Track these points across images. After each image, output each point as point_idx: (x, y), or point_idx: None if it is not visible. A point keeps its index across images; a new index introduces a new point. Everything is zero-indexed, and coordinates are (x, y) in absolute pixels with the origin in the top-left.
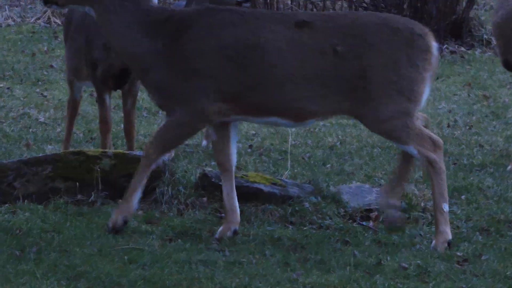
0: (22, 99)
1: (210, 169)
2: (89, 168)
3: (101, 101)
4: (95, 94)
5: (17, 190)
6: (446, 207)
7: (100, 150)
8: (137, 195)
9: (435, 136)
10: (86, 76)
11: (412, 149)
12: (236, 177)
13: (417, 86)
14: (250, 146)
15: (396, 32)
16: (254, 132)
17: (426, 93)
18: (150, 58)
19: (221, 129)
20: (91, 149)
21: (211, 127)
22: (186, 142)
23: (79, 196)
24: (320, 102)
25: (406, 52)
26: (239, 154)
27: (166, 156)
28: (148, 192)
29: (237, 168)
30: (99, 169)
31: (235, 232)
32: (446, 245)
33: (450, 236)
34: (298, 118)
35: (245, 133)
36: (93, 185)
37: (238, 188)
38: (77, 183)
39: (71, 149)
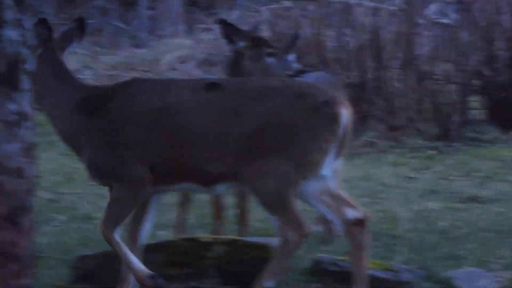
0: None
1: (322, 254)
2: (202, 255)
3: None
4: None
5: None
6: (270, 284)
7: (213, 236)
8: (133, 259)
9: (305, 224)
10: None
11: (275, 220)
12: (344, 261)
13: (311, 157)
14: None
15: (299, 98)
16: None
17: (325, 165)
18: (81, 136)
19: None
20: (204, 235)
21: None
22: None
23: (192, 284)
24: (222, 164)
25: (306, 119)
26: None
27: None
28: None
29: (348, 254)
30: (212, 256)
31: None
32: None
33: None
34: (206, 182)
35: None
36: (206, 272)
37: (348, 273)
38: (190, 270)
39: (183, 236)
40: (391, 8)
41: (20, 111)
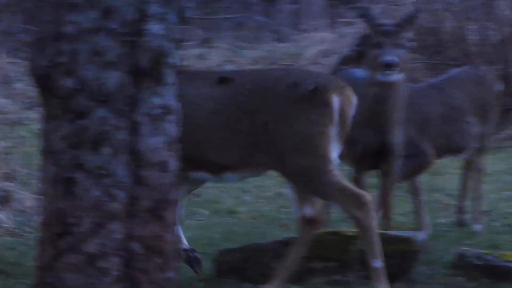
0: (276, 178)
1: (466, 248)
2: (346, 249)
3: (356, 180)
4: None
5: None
6: (377, 263)
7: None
8: None
9: (359, 192)
10: (344, 155)
11: (335, 206)
12: (488, 255)
13: (317, 141)
14: (508, 225)
15: (292, 86)
16: (510, 211)
17: (333, 149)
18: None
19: None
20: (348, 229)
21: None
22: (442, 221)
23: (335, 277)
24: (228, 155)
25: (301, 107)
26: (496, 232)
27: (423, 236)
28: (402, 271)
29: (492, 247)
30: (355, 249)
31: None
32: None
33: None
34: (214, 171)
35: (502, 212)
36: (350, 266)
37: (493, 267)
38: (334, 264)
39: (327, 229)
40: None
41: (164, 105)
